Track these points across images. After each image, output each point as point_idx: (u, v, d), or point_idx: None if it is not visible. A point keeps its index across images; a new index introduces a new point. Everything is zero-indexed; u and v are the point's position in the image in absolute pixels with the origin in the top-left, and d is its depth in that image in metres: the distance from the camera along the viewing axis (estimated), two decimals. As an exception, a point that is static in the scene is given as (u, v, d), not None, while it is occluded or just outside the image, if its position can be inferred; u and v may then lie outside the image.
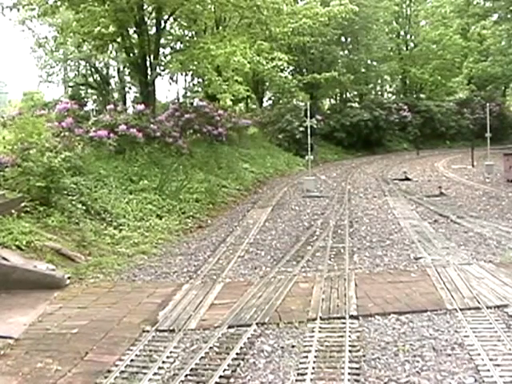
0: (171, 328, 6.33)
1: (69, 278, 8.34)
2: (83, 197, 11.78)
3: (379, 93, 51.07)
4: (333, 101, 46.14)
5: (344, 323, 6.27)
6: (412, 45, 48.46)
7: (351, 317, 6.45)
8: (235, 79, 22.62)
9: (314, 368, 5.16)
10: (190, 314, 6.79)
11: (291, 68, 37.75)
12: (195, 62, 20.76)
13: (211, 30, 25.34)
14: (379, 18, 41.16)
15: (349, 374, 5.03)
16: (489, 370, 5.00)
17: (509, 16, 38.09)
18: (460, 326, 6.11)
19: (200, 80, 32.17)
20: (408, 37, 48.60)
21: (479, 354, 5.33)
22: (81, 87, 39.50)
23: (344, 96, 44.18)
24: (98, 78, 38.31)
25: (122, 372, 5.25)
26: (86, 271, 8.88)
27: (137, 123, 17.18)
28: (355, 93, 44.39)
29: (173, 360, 5.51)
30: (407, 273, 8.38)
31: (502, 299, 6.82)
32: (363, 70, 41.55)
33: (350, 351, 5.50)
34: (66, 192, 11.32)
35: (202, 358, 5.51)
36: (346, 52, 41.57)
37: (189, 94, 36.91)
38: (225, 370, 5.22)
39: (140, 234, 11.42)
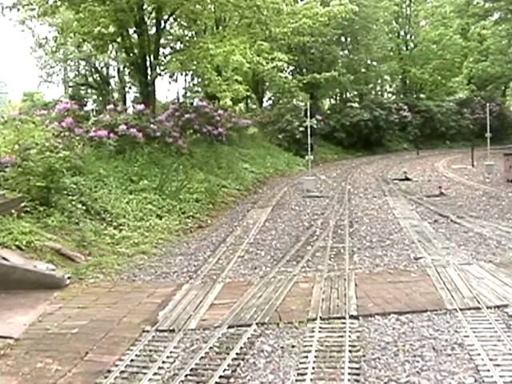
0: (171, 328, 6.33)
1: (69, 277, 8.33)
2: (83, 197, 11.78)
3: (379, 93, 51.05)
4: (333, 101, 46.14)
5: (344, 323, 6.27)
6: (412, 45, 48.43)
7: (351, 317, 6.45)
8: (235, 79, 22.63)
9: (313, 368, 5.16)
10: (190, 313, 6.79)
11: (291, 68, 37.76)
12: (195, 62, 20.77)
13: (211, 29, 25.34)
14: (379, 18, 41.15)
15: (349, 374, 5.02)
16: (489, 370, 5.00)
17: (509, 16, 38.13)
18: (460, 326, 6.11)
19: (200, 80, 32.15)
20: (408, 37, 48.59)
21: (479, 354, 5.32)
22: (81, 87, 39.56)
23: (344, 96, 44.17)
24: (98, 78, 38.36)
25: (122, 372, 5.25)
26: (86, 271, 8.87)
27: (137, 123, 17.18)
28: (355, 93, 44.37)
29: (173, 360, 5.51)
30: (407, 273, 8.38)
31: (502, 299, 6.82)
32: (363, 70, 41.55)
33: (349, 351, 5.50)
34: (65, 192, 11.31)
35: (201, 357, 5.51)
36: (346, 52, 41.55)
37: (189, 93, 36.91)
38: (225, 369, 5.22)
39: (140, 234, 11.42)
